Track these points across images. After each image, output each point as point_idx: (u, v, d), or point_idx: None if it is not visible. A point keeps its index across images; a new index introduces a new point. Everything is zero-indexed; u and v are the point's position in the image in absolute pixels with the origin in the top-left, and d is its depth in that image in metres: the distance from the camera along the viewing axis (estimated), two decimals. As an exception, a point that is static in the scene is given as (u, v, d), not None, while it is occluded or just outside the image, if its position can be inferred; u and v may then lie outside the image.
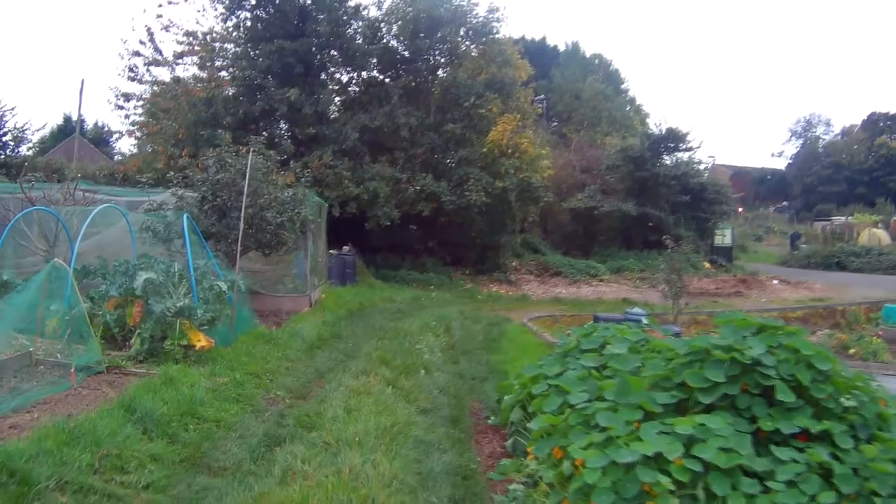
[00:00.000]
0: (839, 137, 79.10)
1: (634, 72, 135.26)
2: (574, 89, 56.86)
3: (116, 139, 52.46)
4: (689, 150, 37.53)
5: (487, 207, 26.51)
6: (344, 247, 23.83)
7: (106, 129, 57.88)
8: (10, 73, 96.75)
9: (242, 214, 12.45)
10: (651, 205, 35.75)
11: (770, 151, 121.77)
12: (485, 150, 26.92)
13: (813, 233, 51.80)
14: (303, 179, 23.59)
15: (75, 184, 15.77)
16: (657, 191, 36.83)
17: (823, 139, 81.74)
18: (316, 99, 25.45)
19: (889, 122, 74.86)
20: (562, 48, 67.29)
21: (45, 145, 52.07)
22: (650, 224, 35.69)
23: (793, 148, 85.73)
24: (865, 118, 77.78)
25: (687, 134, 36.98)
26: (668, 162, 37.52)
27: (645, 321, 15.56)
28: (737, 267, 37.87)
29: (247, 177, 12.80)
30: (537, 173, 27.40)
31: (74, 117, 50.82)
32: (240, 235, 12.65)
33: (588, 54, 66.51)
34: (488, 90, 27.39)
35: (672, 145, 37.29)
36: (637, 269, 32.88)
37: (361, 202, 24.67)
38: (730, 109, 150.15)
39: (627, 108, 60.63)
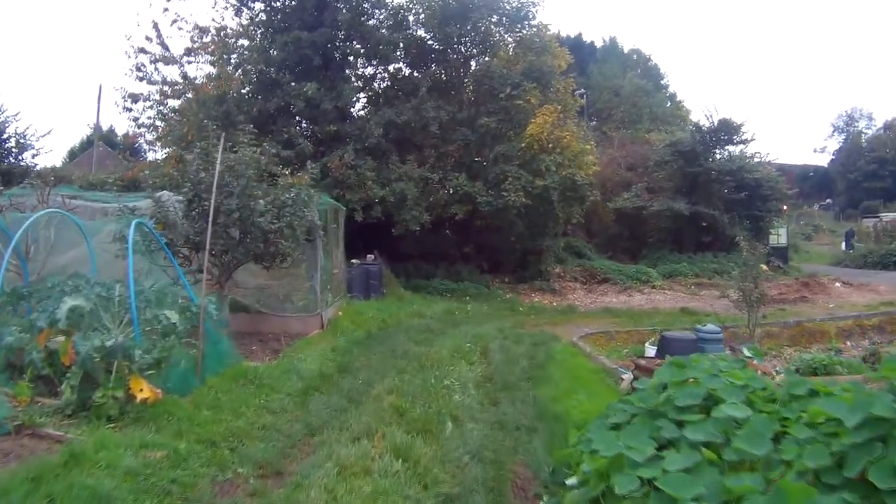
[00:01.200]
0: (882, 131, 75.45)
1: (674, 67, 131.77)
2: (613, 86, 54.19)
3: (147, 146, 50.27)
4: (744, 142, 34.11)
5: (527, 209, 23.56)
6: (368, 255, 21.07)
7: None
8: (42, 81, 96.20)
9: (211, 217, 9.61)
10: (704, 203, 32.46)
11: (812, 147, 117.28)
12: (523, 145, 23.94)
13: (864, 230, 48.60)
14: (322, 181, 21.20)
15: (48, 189, 13.25)
16: (709, 188, 33.51)
17: (866, 133, 78.92)
18: (337, 94, 22.73)
19: (934, 115, 71.63)
20: (599, 44, 64.63)
21: (75, 154, 50.22)
22: (703, 224, 32.42)
23: (835, 143, 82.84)
24: (909, 111, 74.21)
25: (741, 125, 33.54)
26: (719, 156, 34.23)
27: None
28: (793, 268, 34.59)
29: (216, 171, 9.99)
30: (581, 170, 24.37)
31: (103, 125, 49.01)
32: (207, 243, 9.86)
33: (626, 49, 64.07)
34: (525, 80, 24.42)
35: (725, 138, 33.86)
36: (690, 273, 29.71)
37: (387, 205, 21.87)
38: (769, 105, 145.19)
39: (668, 105, 58.02)
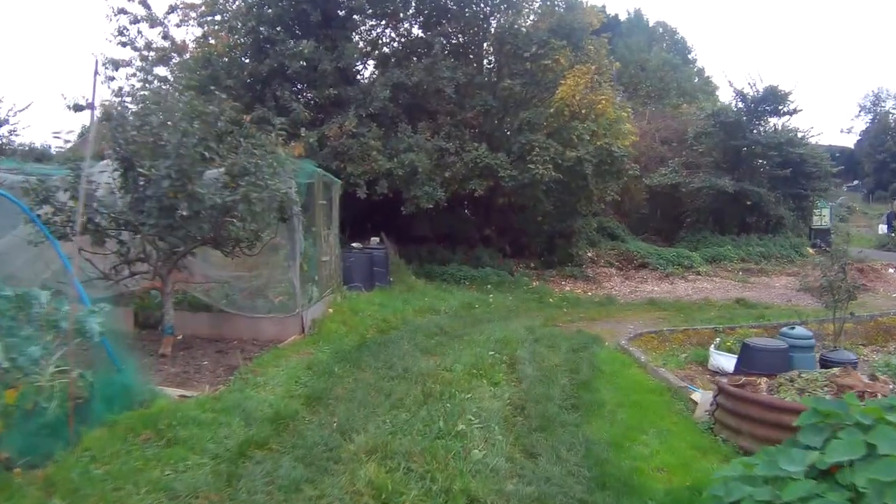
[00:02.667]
0: None
1: (701, 42, 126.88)
2: (639, 60, 50.58)
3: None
4: (791, 113, 30.32)
5: (557, 184, 20.11)
6: (373, 238, 17.79)
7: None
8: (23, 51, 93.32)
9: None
10: (748, 180, 28.91)
11: (838, 128, 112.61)
12: (551, 111, 20.41)
13: None
14: (321, 152, 17.98)
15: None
16: (753, 163, 30.01)
17: (893, 113, 74.25)
18: (338, 54, 19.33)
19: (963, 94, 68.41)
20: (623, 17, 60.88)
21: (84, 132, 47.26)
22: (748, 203, 28.85)
23: (862, 124, 78.64)
24: (941, 91, 71.02)
25: (788, 94, 29.82)
26: (763, 129, 30.57)
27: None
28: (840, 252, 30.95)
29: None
30: (618, 140, 20.97)
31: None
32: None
33: (651, 23, 60.57)
34: (553, 37, 20.88)
35: (770, 108, 30.17)
36: (735, 257, 26.26)
37: (395, 180, 18.50)
38: (794, 85, 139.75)
39: (696, 80, 54.75)
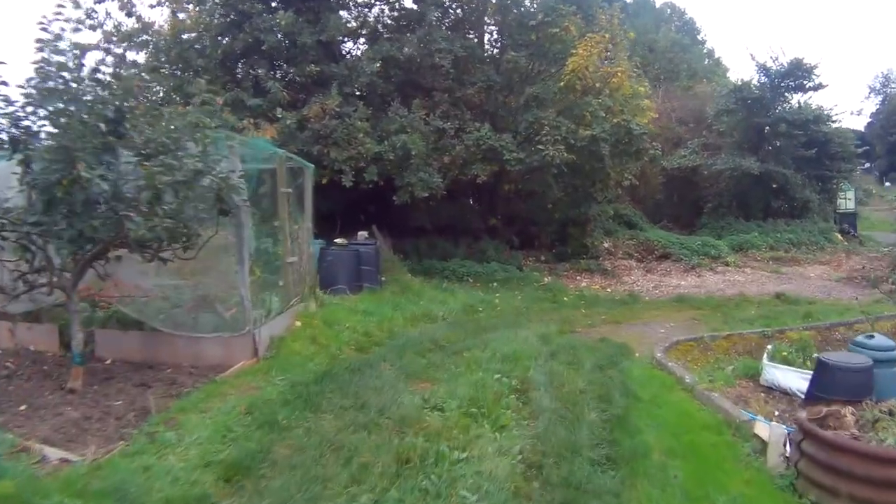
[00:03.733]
0: None
1: (710, 22, 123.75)
2: (647, 41, 47.99)
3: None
4: (818, 88, 27.62)
5: (569, 167, 17.71)
6: (360, 233, 15.45)
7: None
8: None
9: None
10: (773, 161, 26.41)
11: (848, 110, 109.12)
12: (562, 85, 17.90)
13: None
14: (301, 135, 15.73)
15: None
16: (778, 143, 27.51)
17: None
18: (321, 26, 16.99)
19: (977, 73, 66.31)
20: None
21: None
22: (773, 186, 26.36)
23: (872, 105, 75.82)
24: (951, 70, 69.16)
25: (815, 67, 27.15)
26: (787, 106, 27.96)
27: None
28: (867, 238, 28.61)
29: None
30: (636, 116, 18.57)
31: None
32: None
33: (658, 3, 58.18)
34: (562, 2, 18.46)
35: (794, 84, 27.51)
36: (764, 245, 23.84)
37: (386, 165, 16.11)
38: (819, 59, 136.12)
39: (707, 61, 52.73)
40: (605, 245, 21.50)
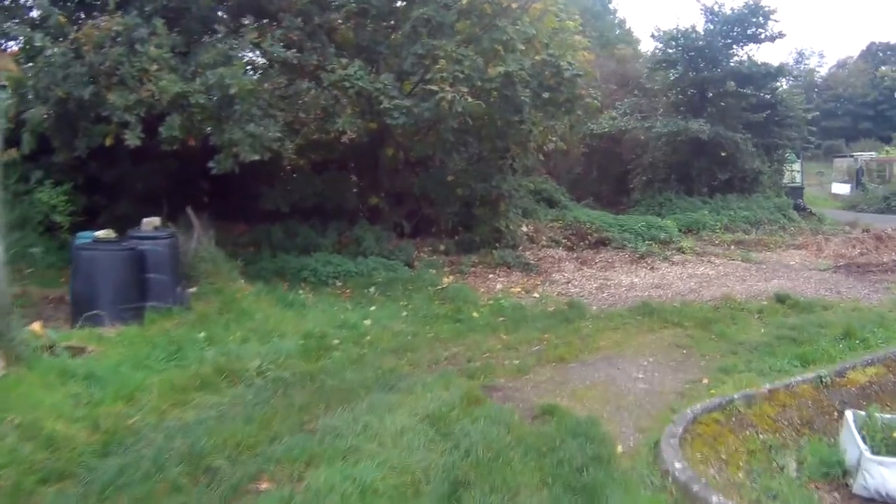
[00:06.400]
0: (836, 69, 71.70)
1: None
2: (557, 6, 43.93)
3: None
4: (775, 37, 22.80)
5: (475, 121, 12.39)
6: (147, 220, 9.64)
7: None
8: None
9: None
10: (721, 125, 21.56)
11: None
12: (464, 2, 12.59)
13: (839, 171, 41.76)
14: (69, 68, 10.04)
15: None
16: (723, 104, 22.84)
17: (818, 72, 73.20)
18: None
19: (889, 53, 67.11)
20: (536, -40, 54.10)
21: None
22: (723, 154, 21.56)
23: (785, 83, 75.03)
24: (864, 48, 70.64)
25: (773, 11, 22.33)
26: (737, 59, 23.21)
27: None
28: (821, 215, 24.63)
29: None
30: (566, 53, 13.33)
31: None
32: None
33: (564, -33, 54.12)
34: None
35: (748, 33, 22.66)
36: (717, 225, 19.27)
37: (195, 114, 10.33)
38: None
39: (618, 32, 49.02)
40: (524, 229, 16.04)
